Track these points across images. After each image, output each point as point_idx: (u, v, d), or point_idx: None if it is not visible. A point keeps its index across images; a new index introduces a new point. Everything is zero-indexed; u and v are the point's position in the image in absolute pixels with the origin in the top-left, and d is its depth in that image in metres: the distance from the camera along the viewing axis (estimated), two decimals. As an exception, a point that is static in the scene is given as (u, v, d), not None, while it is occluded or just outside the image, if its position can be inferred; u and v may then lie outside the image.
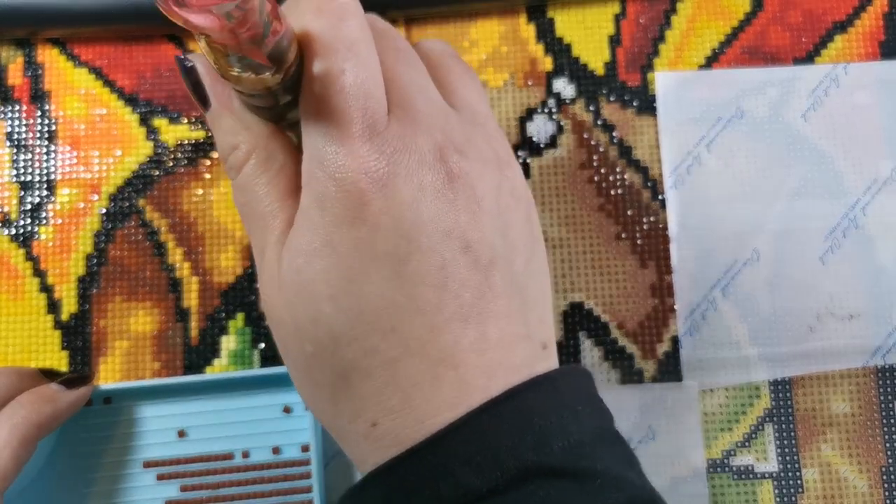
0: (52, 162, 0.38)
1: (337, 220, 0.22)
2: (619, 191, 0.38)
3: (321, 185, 0.22)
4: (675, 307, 0.37)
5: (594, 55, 0.39)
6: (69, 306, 0.37)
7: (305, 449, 0.35)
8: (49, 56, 0.39)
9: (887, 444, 0.36)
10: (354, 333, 0.22)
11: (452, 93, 0.26)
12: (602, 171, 0.38)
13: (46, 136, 0.38)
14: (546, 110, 0.39)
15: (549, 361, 0.25)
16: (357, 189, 0.22)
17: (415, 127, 0.23)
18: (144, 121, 0.39)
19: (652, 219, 0.38)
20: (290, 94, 0.23)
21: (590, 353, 0.37)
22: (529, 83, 0.39)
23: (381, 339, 0.22)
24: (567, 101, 0.39)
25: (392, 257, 0.22)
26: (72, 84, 0.39)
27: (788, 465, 0.36)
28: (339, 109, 0.22)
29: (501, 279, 0.23)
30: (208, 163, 0.38)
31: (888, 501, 0.35)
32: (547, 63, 0.39)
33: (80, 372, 0.36)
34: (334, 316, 0.22)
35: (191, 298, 0.37)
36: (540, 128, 0.38)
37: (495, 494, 0.21)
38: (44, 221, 0.38)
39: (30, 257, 0.38)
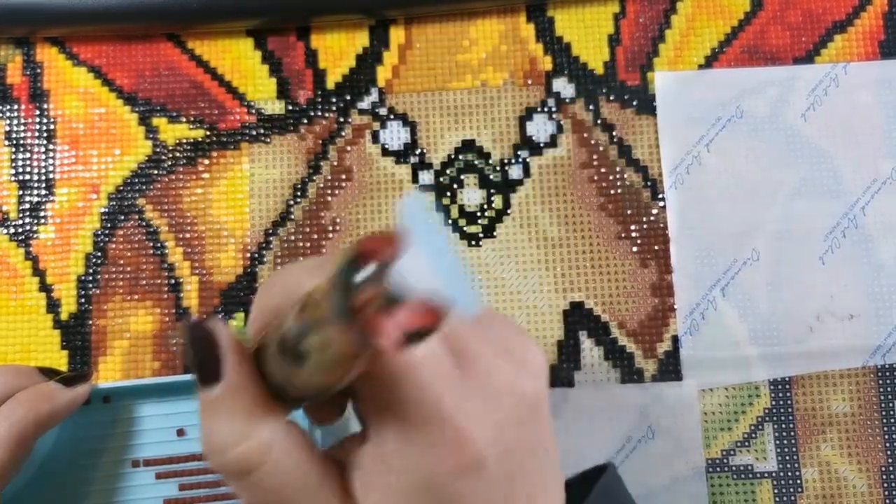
0: (51, 161, 0.38)
1: None
2: (619, 190, 0.38)
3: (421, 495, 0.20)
4: (675, 307, 0.37)
5: (594, 54, 0.39)
6: (68, 305, 0.37)
7: (304, 448, 0.35)
8: (48, 55, 0.39)
9: (887, 444, 0.36)
10: None
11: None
12: (602, 170, 0.38)
13: (45, 135, 0.38)
14: (546, 110, 0.38)
15: None
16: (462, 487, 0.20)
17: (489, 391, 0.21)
18: (143, 120, 0.39)
19: (652, 218, 0.38)
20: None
21: (590, 353, 0.37)
22: (529, 82, 0.39)
23: None
24: (567, 101, 0.39)
25: None
26: (71, 83, 0.39)
27: (788, 465, 0.36)
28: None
29: None
30: (207, 162, 0.38)
31: (888, 501, 0.35)
32: (546, 62, 0.39)
33: (80, 370, 0.36)
34: None
35: (190, 298, 0.37)
36: (540, 127, 0.38)
37: None
38: (43, 221, 0.38)
39: (29, 256, 0.38)
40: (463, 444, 0.20)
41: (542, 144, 0.38)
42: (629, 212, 0.38)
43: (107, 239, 0.38)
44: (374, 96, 0.39)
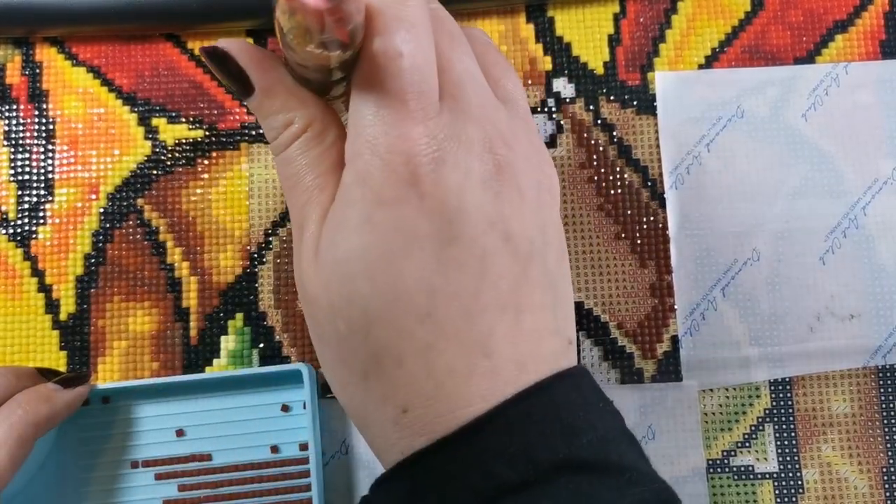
0: (51, 161, 0.38)
1: (379, 199, 0.22)
2: (619, 190, 0.38)
3: (366, 163, 0.22)
4: (675, 307, 0.37)
5: (594, 54, 0.39)
6: (67, 306, 0.37)
7: (304, 447, 0.35)
8: (47, 55, 0.39)
9: (888, 445, 0.36)
10: (389, 315, 0.22)
11: (497, 83, 0.26)
12: (602, 170, 0.38)
13: (44, 135, 0.38)
14: (546, 110, 0.38)
15: (572, 358, 0.25)
16: (404, 170, 0.22)
17: (466, 116, 0.23)
18: (143, 120, 0.38)
19: (652, 218, 0.37)
20: (344, 71, 0.23)
21: (590, 353, 0.37)
22: (529, 82, 0.39)
23: (416, 324, 0.22)
24: (567, 101, 0.39)
25: (433, 241, 0.22)
26: (70, 83, 0.39)
27: (788, 466, 0.36)
28: (394, 91, 0.22)
29: (537, 273, 0.23)
30: (207, 162, 0.38)
31: (889, 502, 0.35)
32: (546, 62, 0.39)
33: (78, 371, 0.36)
34: (370, 295, 0.22)
35: (190, 298, 0.37)
36: (540, 127, 0.38)
37: (528, 486, 0.21)
38: (42, 221, 0.38)
39: (28, 257, 0.37)
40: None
41: (541, 144, 0.38)
42: (629, 212, 0.38)
43: (106, 239, 0.38)
44: (373, 96, 0.39)
